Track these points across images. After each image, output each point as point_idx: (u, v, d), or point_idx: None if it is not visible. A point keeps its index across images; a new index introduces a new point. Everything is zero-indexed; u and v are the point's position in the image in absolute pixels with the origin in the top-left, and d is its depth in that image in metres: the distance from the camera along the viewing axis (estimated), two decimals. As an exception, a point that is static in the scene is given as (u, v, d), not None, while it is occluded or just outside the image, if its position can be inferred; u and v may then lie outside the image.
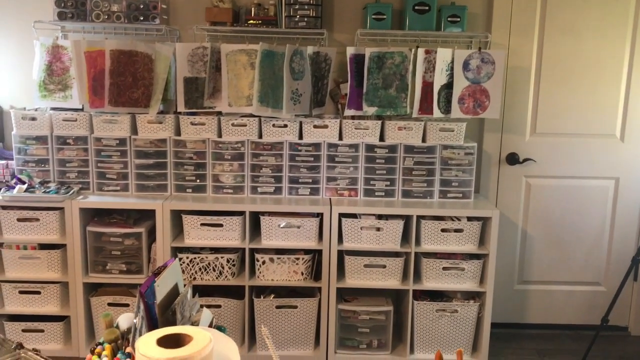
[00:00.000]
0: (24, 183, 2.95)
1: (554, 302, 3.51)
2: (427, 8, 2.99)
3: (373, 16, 3.00)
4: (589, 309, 3.51)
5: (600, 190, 3.39)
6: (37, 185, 2.96)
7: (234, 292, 3.05)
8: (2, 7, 3.19)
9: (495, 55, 2.96)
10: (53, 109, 3.06)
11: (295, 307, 3.00)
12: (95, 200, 2.95)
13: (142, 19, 3.01)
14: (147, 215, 3.07)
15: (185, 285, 1.17)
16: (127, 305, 2.98)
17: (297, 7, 2.99)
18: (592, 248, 3.45)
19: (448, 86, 2.99)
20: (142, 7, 3.01)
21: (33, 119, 3.01)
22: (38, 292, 2.98)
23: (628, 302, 3.50)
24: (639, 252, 2.93)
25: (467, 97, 2.99)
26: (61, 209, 2.90)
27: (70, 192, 2.93)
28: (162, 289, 1.10)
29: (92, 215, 3.04)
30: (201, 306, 1.21)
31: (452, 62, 2.96)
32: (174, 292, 1.13)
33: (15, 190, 2.87)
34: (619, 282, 3.37)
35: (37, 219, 2.92)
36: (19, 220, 2.91)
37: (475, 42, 3.14)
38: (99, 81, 2.95)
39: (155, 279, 1.08)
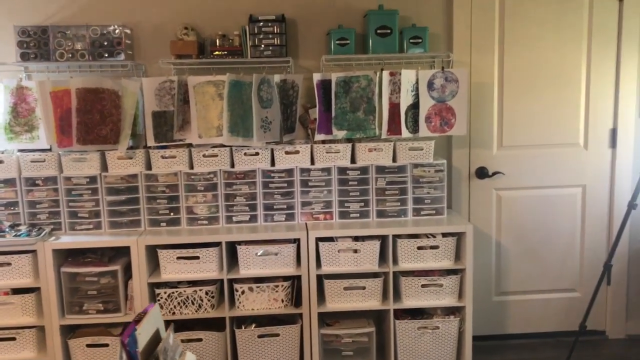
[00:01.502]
0: (-7, 228, 2.89)
1: (532, 311, 3.56)
2: (389, 31, 3.05)
3: (337, 42, 3.05)
4: (567, 316, 3.57)
5: (569, 198, 3.47)
6: (7, 229, 2.90)
7: (215, 325, 3.02)
8: (-37, 51, 3.16)
9: (458, 74, 3.03)
10: (20, 150, 3.02)
11: (278, 335, 2.99)
12: (68, 240, 2.91)
13: (106, 55, 3.01)
14: (121, 252, 3.03)
15: (167, 330, 1.17)
16: (106, 345, 2.93)
17: (261, 36, 3.03)
18: (565, 255, 3.52)
19: (414, 106, 3.05)
20: (106, 43, 3.01)
21: (0, 162, 2.97)
22: (13, 339, 2.90)
23: (603, 306, 3.57)
24: (610, 257, 3.00)
25: (433, 116, 3.05)
26: (33, 251, 2.85)
27: (42, 234, 2.89)
28: (143, 336, 1.09)
29: (66, 256, 2.99)
30: (183, 349, 1.21)
31: (417, 82, 3.02)
32: (156, 338, 1.12)
33: (-16, 236, 2.82)
34: (593, 287, 3.45)
35: (9, 264, 2.86)
36: (-11, 265, 2.85)
37: (438, 61, 3.21)
38: (66, 120, 2.93)
39: (136, 326, 1.08)
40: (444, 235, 2.99)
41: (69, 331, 2.99)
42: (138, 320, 1.11)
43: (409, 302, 3.01)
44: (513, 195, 3.45)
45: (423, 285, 2.99)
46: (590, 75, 3.35)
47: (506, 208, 3.46)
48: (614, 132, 3.41)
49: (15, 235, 2.85)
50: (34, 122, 2.99)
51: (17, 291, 2.90)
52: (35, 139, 3.00)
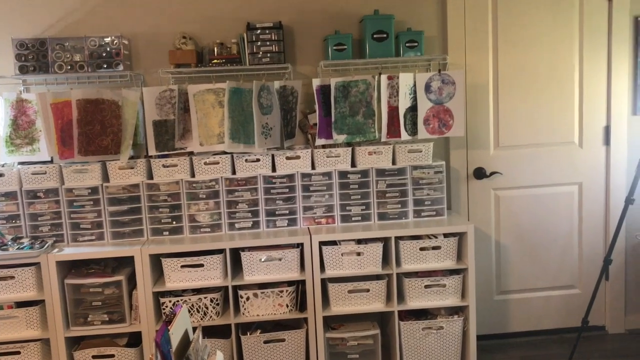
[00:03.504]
0: (-5, 241, 2.89)
1: (533, 308, 3.60)
2: (385, 35, 3.09)
3: (334, 47, 3.08)
4: (568, 312, 3.61)
5: (566, 196, 3.52)
6: (9, 242, 2.89)
7: (220, 332, 3.02)
8: (-40, 65, 3.16)
9: (454, 76, 3.07)
10: (21, 163, 3.02)
11: (283, 340, 3.00)
12: (72, 252, 2.90)
13: (105, 66, 3.02)
14: (125, 262, 3.03)
15: (195, 331, 1.18)
16: (112, 356, 2.92)
17: (259, 43, 3.05)
18: (564, 252, 3.57)
19: (413, 109, 3.08)
20: (104, 54, 3.02)
21: (1, 175, 2.96)
22: (18, 353, 2.89)
23: (602, 302, 3.61)
24: (609, 252, 3.04)
25: (431, 118, 3.08)
26: (37, 264, 2.85)
27: (45, 246, 2.88)
28: (175, 336, 1.10)
29: (69, 268, 2.99)
30: (212, 349, 1.22)
31: (414, 85, 3.06)
32: (185, 339, 1.14)
33: (-13, 250, 2.81)
34: (592, 283, 3.49)
35: (12, 277, 2.85)
36: (-7, 279, 2.84)
37: (434, 64, 3.25)
38: (67, 132, 2.93)
39: (168, 327, 1.09)
40: (446, 235, 3.02)
41: (74, 343, 2.98)
42: (169, 321, 1.12)
43: (412, 303, 3.03)
44: (511, 194, 3.49)
45: (426, 286, 3.01)
46: (582, 74, 3.41)
47: (504, 207, 3.50)
48: (607, 130, 3.47)
49: (18, 249, 2.84)
50: (35, 134, 2.99)
51: (21, 304, 2.89)
52: (36, 151, 3.00)
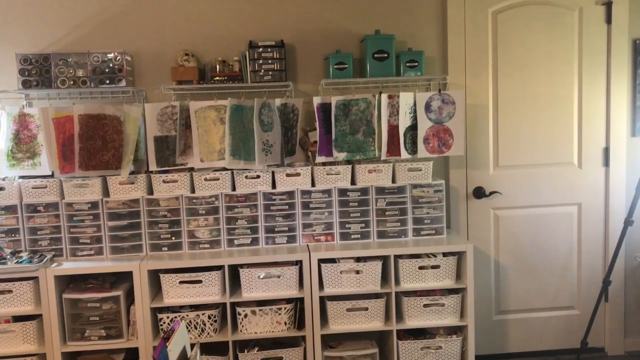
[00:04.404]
0: (-6, 255, 2.88)
1: (532, 329, 3.58)
2: (386, 55, 3.12)
3: (335, 66, 3.11)
4: (566, 333, 3.59)
5: (565, 216, 3.52)
6: (8, 256, 2.89)
7: (217, 349, 3.01)
8: (-36, 79, 3.18)
9: (454, 96, 3.09)
10: (21, 177, 3.03)
11: (281, 358, 2.98)
12: (70, 266, 2.89)
13: (108, 82, 3.05)
14: (123, 278, 3.03)
15: (193, 349, 1.18)
16: (108, 372, 2.90)
17: (261, 61, 3.08)
18: (563, 273, 3.56)
19: (413, 128, 3.10)
20: (107, 70, 3.05)
21: (1, 188, 2.97)
22: (14, 367, 2.88)
23: (602, 323, 3.60)
24: (608, 273, 3.04)
25: (431, 137, 3.10)
26: (35, 278, 2.84)
27: (44, 261, 2.88)
28: (174, 352, 1.10)
29: (68, 282, 2.98)
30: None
31: (415, 104, 3.08)
32: (183, 356, 1.13)
33: (-14, 263, 2.80)
34: (591, 304, 3.48)
35: (10, 291, 2.84)
36: (-10, 293, 2.84)
37: (434, 84, 3.28)
38: (69, 146, 2.95)
39: (167, 343, 1.09)
40: (445, 254, 3.02)
41: (71, 358, 2.97)
42: (167, 337, 1.12)
43: (411, 322, 3.02)
44: (510, 214, 3.49)
45: (425, 305, 3.00)
46: (582, 95, 3.43)
47: (504, 227, 3.50)
48: (606, 151, 3.48)
49: (16, 262, 2.84)
50: (36, 148, 3.01)
51: (18, 319, 2.88)
52: (37, 166, 3.01)
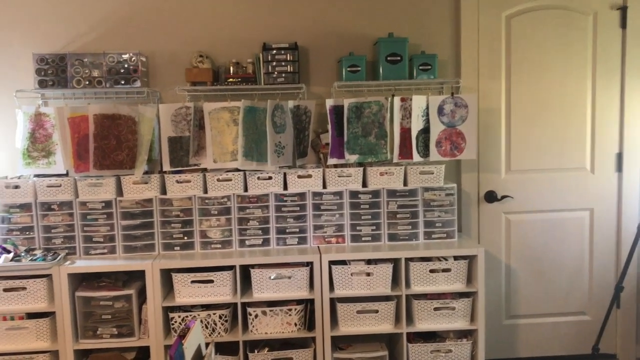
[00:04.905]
0: (9, 252, 2.91)
1: (542, 334, 3.57)
2: (399, 58, 3.12)
3: (348, 69, 3.12)
4: (577, 339, 3.58)
5: (577, 221, 3.50)
6: (22, 254, 2.92)
7: (228, 349, 3.02)
8: (-18, 79, 3.23)
9: (467, 99, 3.09)
10: (36, 175, 3.06)
11: (291, 359, 2.99)
12: (84, 264, 2.92)
13: (122, 82, 3.07)
14: (135, 277, 3.05)
15: (208, 347, 1.19)
16: (119, 369, 2.93)
17: (274, 64, 3.10)
18: (574, 278, 3.54)
19: (425, 131, 3.10)
20: (122, 71, 3.07)
21: (16, 187, 3.00)
22: (27, 364, 2.91)
23: (613, 329, 3.58)
24: (620, 279, 3.03)
25: (444, 141, 3.10)
26: (49, 275, 2.87)
27: (58, 258, 2.91)
28: (189, 350, 1.11)
29: (81, 280, 3.01)
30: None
31: (427, 107, 3.08)
32: (198, 354, 1.15)
33: (1, 260, 2.84)
34: (602, 310, 3.46)
35: (24, 288, 2.87)
36: (5, 290, 2.87)
37: (447, 87, 3.28)
38: (83, 146, 2.98)
39: (182, 341, 1.10)
40: (456, 258, 3.02)
41: (83, 356, 2.99)
42: (182, 335, 1.14)
43: (421, 326, 3.02)
44: (522, 218, 3.48)
45: (436, 309, 3.00)
46: (595, 100, 3.42)
47: (515, 231, 3.49)
48: (620, 157, 3.46)
49: (30, 260, 2.87)
50: (51, 147, 3.04)
51: (31, 315, 2.91)
52: (51, 164, 3.04)
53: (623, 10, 3.36)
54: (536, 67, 3.39)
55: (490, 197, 3.43)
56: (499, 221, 3.48)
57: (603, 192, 3.49)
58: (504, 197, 3.43)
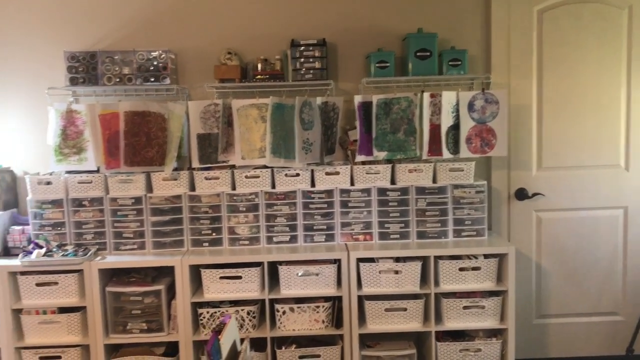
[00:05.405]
0: (41, 247, 2.96)
1: (574, 334, 3.50)
2: (428, 54, 3.09)
3: (377, 65, 3.10)
4: (609, 340, 3.50)
5: (610, 220, 3.43)
6: (54, 249, 2.97)
7: (255, 345, 3.02)
8: (16, 75, 3.27)
9: (498, 95, 3.04)
10: (68, 172, 3.10)
11: (319, 356, 2.98)
12: (114, 260, 2.96)
13: (152, 79, 3.10)
14: (164, 272, 3.07)
15: (243, 343, 1.19)
16: (149, 364, 2.96)
17: (302, 60, 3.09)
18: (607, 278, 3.47)
19: (455, 127, 3.06)
20: (152, 68, 3.10)
21: (48, 183, 3.04)
22: (59, 357, 2.95)
23: (648, 330, 3.50)
24: (656, 279, 2.96)
25: (474, 137, 3.06)
26: (80, 271, 2.91)
27: (89, 254, 2.94)
28: (225, 345, 1.11)
29: (111, 276, 3.05)
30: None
31: (457, 103, 3.04)
32: (233, 349, 1.15)
33: (34, 255, 2.88)
34: (636, 310, 3.39)
35: (56, 283, 2.92)
36: (37, 285, 2.91)
37: (477, 83, 3.23)
38: (114, 142, 3.01)
39: (218, 336, 1.10)
40: (486, 256, 2.98)
41: (113, 350, 3.03)
42: (218, 330, 1.13)
43: (450, 324, 2.99)
44: (553, 216, 3.42)
45: (465, 307, 2.97)
46: (630, 96, 3.34)
47: (546, 230, 3.43)
48: (655, 153, 3.39)
49: (62, 255, 2.91)
50: (82, 144, 3.07)
51: (63, 310, 2.95)
52: (83, 161, 3.08)
53: (660, 3, 3.28)
54: (568, 62, 3.32)
55: (521, 194, 3.38)
56: (529, 219, 3.42)
57: (638, 190, 3.41)
58: (535, 194, 3.37)
